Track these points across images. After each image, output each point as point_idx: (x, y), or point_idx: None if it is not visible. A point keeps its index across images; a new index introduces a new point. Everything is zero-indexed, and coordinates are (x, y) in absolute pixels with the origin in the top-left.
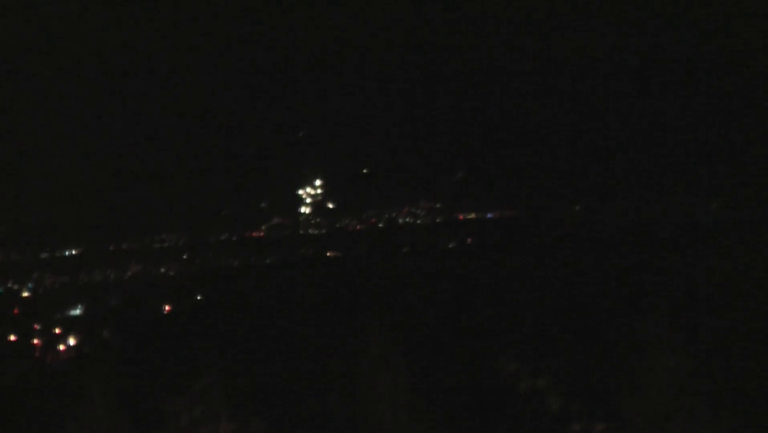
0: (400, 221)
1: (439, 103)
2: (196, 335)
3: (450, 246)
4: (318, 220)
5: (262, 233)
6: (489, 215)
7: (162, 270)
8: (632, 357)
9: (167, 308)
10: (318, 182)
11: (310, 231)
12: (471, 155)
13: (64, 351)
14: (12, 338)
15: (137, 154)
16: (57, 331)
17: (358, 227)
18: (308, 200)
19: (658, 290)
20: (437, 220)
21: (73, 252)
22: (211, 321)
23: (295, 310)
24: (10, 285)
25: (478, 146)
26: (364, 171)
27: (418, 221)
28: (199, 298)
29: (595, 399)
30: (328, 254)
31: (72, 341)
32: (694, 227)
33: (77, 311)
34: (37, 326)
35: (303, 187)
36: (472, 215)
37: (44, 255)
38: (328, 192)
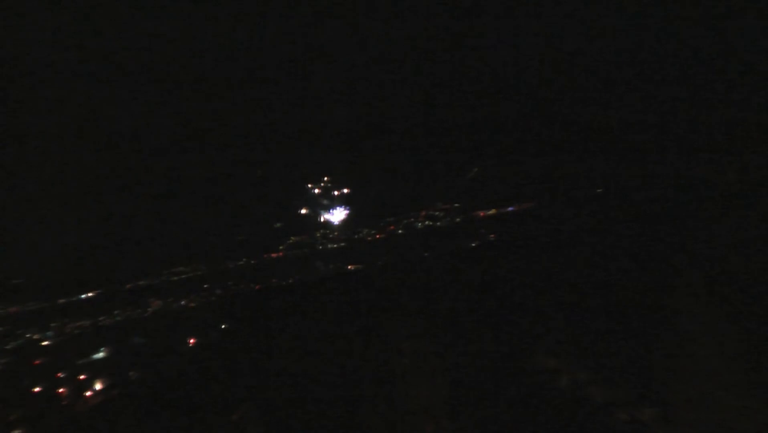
0: (419, 224)
1: (444, 100)
2: (225, 366)
3: (473, 245)
4: (335, 233)
5: (280, 254)
6: (510, 209)
7: (183, 303)
8: (673, 339)
9: (192, 341)
10: (330, 195)
11: (329, 246)
12: (483, 150)
13: (91, 397)
14: (36, 389)
15: (142, 188)
16: (82, 377)
17: (377, 236)
18: (323, 215)
19: (692, 267)
20: (457, 220)
21: (91, 295)
22: (238, 350)
23: (323, 329)
24: (29, 335)
25: (490, 140)
26: (375, 178)
27: (438, 223)
28: (224, 327)
29: (640, 386)
30: (349, 267)
31: (99, 386)
32: (715, 196)
33: (101, 355)
34: (61, 375)
35: (316, 202)
36: (493, 211)
37: (62, 301)
38: (342, 204)
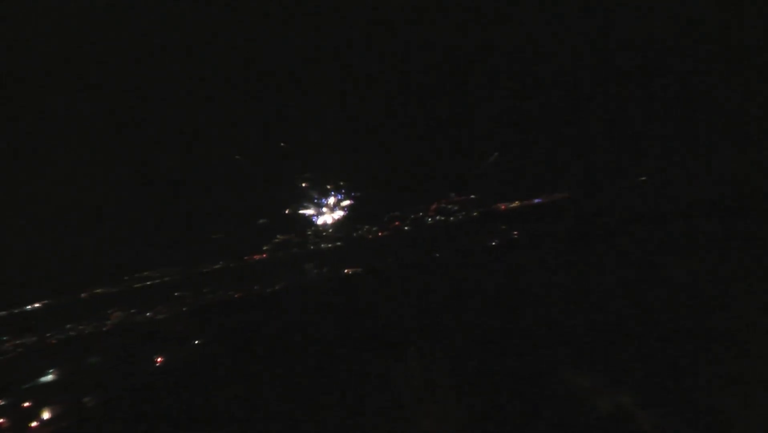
0: (429, 220)
1: (459, 77)
2: (200, 389)
3: (493, 243)
4: (330, 231)
5: (264, 255)
6: (537, 201)
7: (148, 315)
8: (733, 358)
9: (159, 360)
10: (324, 186)
11: (322, 245)
12: (504, 132)
13: (38, 428)
14: None
15: (99, 180)
16: (27, 405)
17: (379, 234)
18: (315, 209)
19: (752, 270)
20: (474, 214)
21: (37, 306)
22: (215, 369)
23: (315, 344)
24: None
25: (512, 120)
26: (378, 166)
27: (451, 218)
28: (197, 343)
29: (696, 412)
30: (346, 271)
31: (47, 415)
32: None
33: (50, 377)
34: (1, 402)
35: (306, 194)
36: (516, 203)
37: (1, 313)
38: (338, 196)
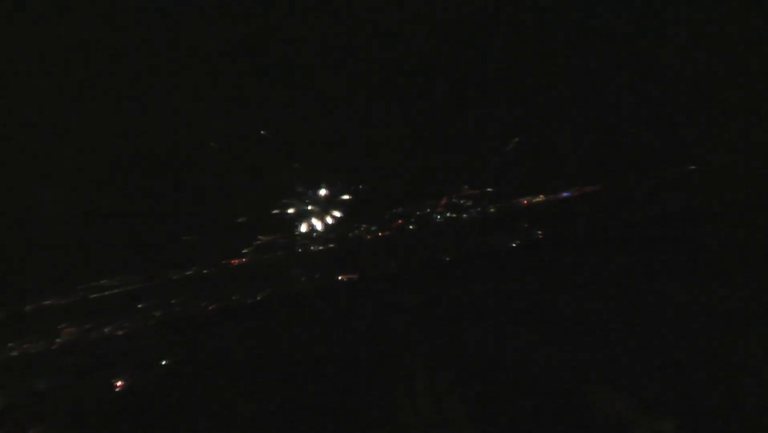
0: (438, 217)
1: (473, 49)
2: (167, 417)
3: (513, 245)
4: (321, 231)
5: (244, 260)
6: (565, 194)
7: (107, 330)
8: None
9: (119, 384)
10: (314, 178)
11: (312, 248)
12: (525, 113)
13: None
14: None
15: (52, 167)
16: None
17: (379, 234)
18: (303, 205)
19: None
20: (490, 210)
21: None
22: (186, 395)
23: (304, 361)
24: None
25: (534, 100)
26: (378, 153)
27: (464, 215)
28: (164, 363)
29: None
30: (339, 278)
31: None
32: None
33: None
34: None
35: (294, 187)
36: (540, 198)
37: None
38: (331, 190)
